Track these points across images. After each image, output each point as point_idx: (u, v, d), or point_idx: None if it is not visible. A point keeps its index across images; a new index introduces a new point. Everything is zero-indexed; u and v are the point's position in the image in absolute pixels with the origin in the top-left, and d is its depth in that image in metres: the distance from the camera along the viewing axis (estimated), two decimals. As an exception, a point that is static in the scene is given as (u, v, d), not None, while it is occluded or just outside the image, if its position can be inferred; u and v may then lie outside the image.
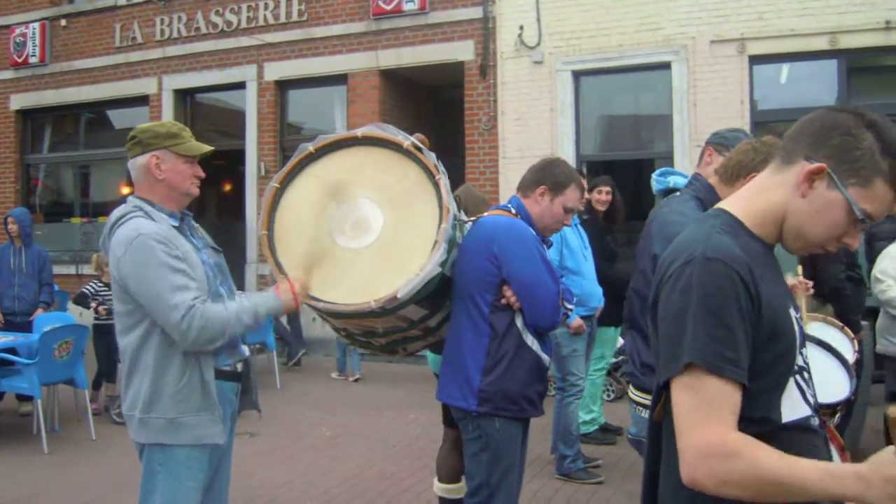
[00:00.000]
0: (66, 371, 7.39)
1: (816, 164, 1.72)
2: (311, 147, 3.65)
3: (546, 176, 3.77)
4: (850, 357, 4.76)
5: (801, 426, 1.78)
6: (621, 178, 11.38)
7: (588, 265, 6.14)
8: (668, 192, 3.62)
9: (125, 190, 14.65)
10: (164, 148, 3.14)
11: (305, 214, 3.53)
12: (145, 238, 2.95)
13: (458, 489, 4.66)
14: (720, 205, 1.90)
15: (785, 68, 10.57)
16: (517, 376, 3.49)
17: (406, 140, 3.55)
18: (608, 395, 8.11)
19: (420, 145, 3.54)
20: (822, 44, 9.86)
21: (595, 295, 6.17)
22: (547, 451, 6.21)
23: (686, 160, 10.15)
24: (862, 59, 10.24)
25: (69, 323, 7.86)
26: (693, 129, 10.30)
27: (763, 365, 1.68)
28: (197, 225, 3.35)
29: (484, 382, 3.48)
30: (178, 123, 3.27)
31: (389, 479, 6.06)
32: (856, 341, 4.94)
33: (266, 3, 12.79)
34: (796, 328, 1.79)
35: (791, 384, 1.78)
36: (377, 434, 7.48)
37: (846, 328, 4.91)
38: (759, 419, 1.69)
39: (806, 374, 1.84)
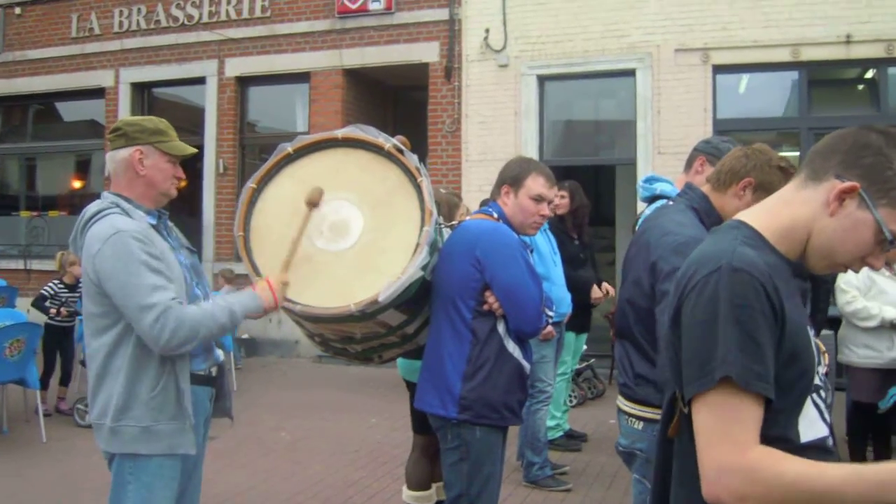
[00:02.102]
0: (17, 370, 7.15)
1: (849, 183, 1.69)
2: (289, 148, 3.56)
3: (505, 175, 3.74)
4: (823, 370, 4.81)
5: (818, 447, 1.75)
6: (584, 183, 11.46)
7: (557, 271, 6.11)
8: (654, 198, 3.59)
9: (76, 184, 14.37)
10: (148, 143, 3.03)
11: (283, 216, 3.43)
12: (123, 235, 2.83)
13: (429, 497, 4.61)
14: (739, 216, 1.86)
15: (746, 78, 10.70)
16: (498, 383, 3.43)
17: (387, 142, 3.48)
18: (571, 402, 8.09)
19: (401, 147, 3.48)
20: (784, 55, 9.99)
21: (564, 301, 6.14)
22: (514, 457, 6.17)
23: (649, 167, 10.20)
24: (822, 71, 10.40)
25: (20, 321, 7.62)
26: (656, 137, 10.37)
27: (783, 383, 1.65)
28: (172, 224, 3.24)
29: (464, 389, 3.41)
30: (165, 121, 3.15)
31: (354, 486, 5.96)
32: (825, 354, 4.99)
33: (229, -2, 12.61)
34: (814, 346, 1.76)
35: (809, 403, 1.75)
36: (338, 439, 7.38)
37: (818, 341, 4.95)
38: (776, 438, 1.65)
39: (823, 393, 1.81)
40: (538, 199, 3.66)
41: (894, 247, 1.75)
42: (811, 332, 1.79)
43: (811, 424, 1.75)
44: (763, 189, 2.82)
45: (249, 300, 3.07)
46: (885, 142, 1.71)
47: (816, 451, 1.74)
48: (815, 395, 1.77)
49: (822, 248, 1.76)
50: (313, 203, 3.33)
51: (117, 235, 2.82)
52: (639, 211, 4.37)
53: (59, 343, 8.16)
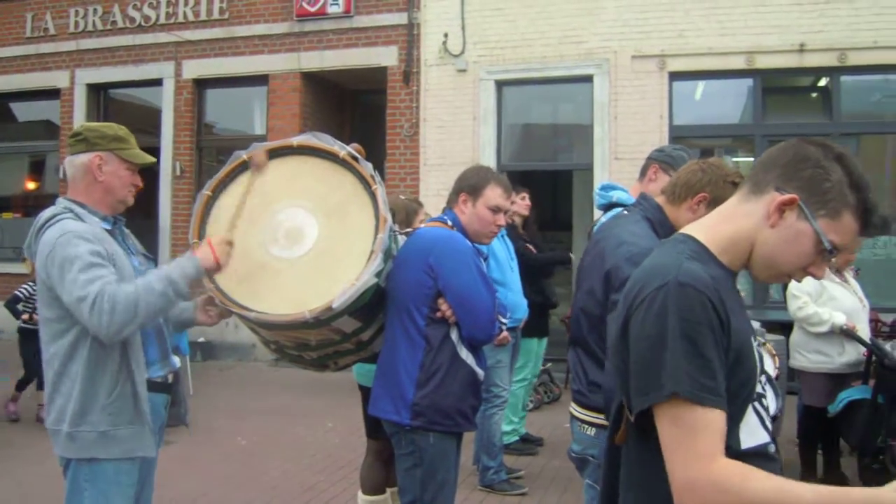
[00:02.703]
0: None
1: (788, 196, 1.74)
2: (244, 155, 3.55)
3: (463, 184, 3.77)
4: (773, 373, 4.87)
5: (759, 453, 1.80)
6: (541, 187, 11.51)
7: (514, 276, 6.15)
8: (611, 206, 3.63)
9: (31, 185, 14.16)
10: (108, 150, 3.04)
11: (238, 223, 3.42)
12: (69, 235, 2.83)
13: (383, 501, 4.65)
14: (685, 230, 1.91)
15: (702, 85, 10.84)
16: (451, 390, 3.45)
17: (342, 150, 3.48)
18: (527, 406, 8.13)
19: (356, 155, 3.49)
20: (738, 63, 10.15)
21: (520, 306, 6.18)
22: (469, 461, 6.19)
23: (605, 172, 10.31)
24: (776, 79, 10.57)
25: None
26: (613, 142, 10.46)
27: (728, 392, 1.68)
28: (128, 231, 3.23)
29: (417, 396, 3.43)
30: (125, 128, 3.15)
31: (311, 491, 5.94)
32: (776, 357, 5.06)
33: (186, 0, 12.49)
34: (756, 355, 1.81)
35: (750, 411, 1.80)
36: (294, 443, 7.35)
37: (767, 345, 5.02)
38: None
39: (764, 401, 1.86)
40: (496, 209, 3.71)
41: (834, 256, 1.81)
42: (755, 342, 1.84)
43: (753, 431, 1.80)
44: (717, 204, 2.85)
45: (187, 262, 2.99)
46: (822, 154, 1.76)
47: (758, 457, 1.78)
48: (756, 403, 1.82)
49: (765, 258, 1.81)
50: (258, 166, 3.37)
51: (63, 236, 2.82)
52: (595, 217, 4.42)
53: (37, 347, 7.97)
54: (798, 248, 1.77)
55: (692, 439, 1.62)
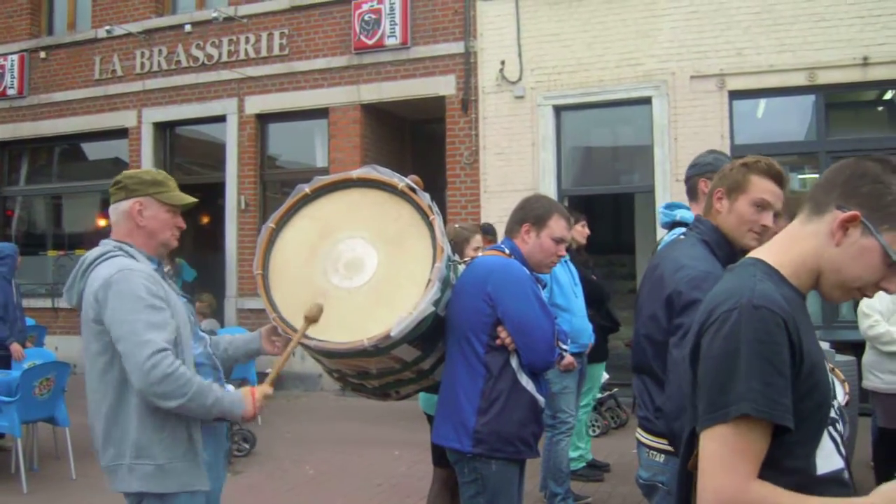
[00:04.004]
0: (47, 409, 7.27)
1: (850, 213, 1.75)
2: (307, 188, 3.64)
3: (526, 213, 3.79)
4: (842, 399, 4.76)
5: (834, 479, 1.79)
6: (603, 211, 11.44)
7: (578, 302, 6.13)
8: (675, 224, 3.62)
9: (101, 222, 14.57)
10: (148, 195, 3.12)
11: (301, 255, 3.52)
12: (129, 272, 2.90)
13: (450, 529, 4.63)
14: (754, 254, 1.92)
15: (763, 103, 10.70)
16: (512, 417, 3.47)
17: (401, 182, 3.55)
18: (594, 431, 8.08)
19: (414, 186, 3.55)
20: (800, 79, 10.00)
21: (585, 332, 6.16)
22: (536, 488, 6.16)
23: (667, 194, 10.21)
24: (839, 94, 10.39)
25: (49, 360, 7.74)
26: (674, 164, 10.36)
27: (801, 415, 1.69)
28: (164, 271, 3.29)
29: (479, 423, 3.45)
30: (164, 172, 3.25)
31: (377, 520, 5.99)
32: (846, 383, 4.95)
33: (247, 37, 12.80)
34: (830, 379, 1.80)
35: (826, 436, 1.79)
36: (362, 472, 7.40)
37: (836, 370, 4.92)
38: (794, 470, 1.70)
39: (839, 426, 1.85)
40: (559, 240, 3.74)
41: None
42: (828, 366, 1.84)
43: (828, 457, 1.79)
44: (735, 190, 2.96)
45: (234, 403, 3.01)
46: (881, 169, 1.77)
47: (833, 483, 1.78)
48: (831, 429, 1.81)
49: (834, 277, 1.82)
50: (312, 319, 3.35)
51: (122, 272, 2.89)
52: (658, 237, 4.40)
53: None
54: (865, 263, 1.78)
55: (737, 458, 1.64)
